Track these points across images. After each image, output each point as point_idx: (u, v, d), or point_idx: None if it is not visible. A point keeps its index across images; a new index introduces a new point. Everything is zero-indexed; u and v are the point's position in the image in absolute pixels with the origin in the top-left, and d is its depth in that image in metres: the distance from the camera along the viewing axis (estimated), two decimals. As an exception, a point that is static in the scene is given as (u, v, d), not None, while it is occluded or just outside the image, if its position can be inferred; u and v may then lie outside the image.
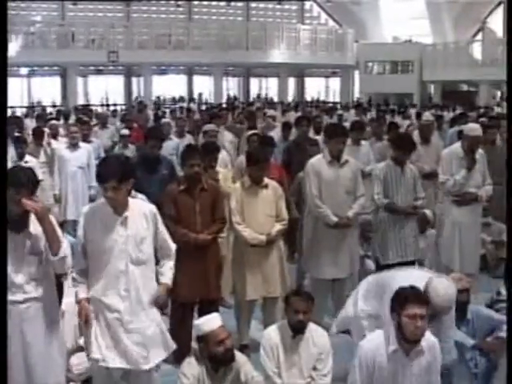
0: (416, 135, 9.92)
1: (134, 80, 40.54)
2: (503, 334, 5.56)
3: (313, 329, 5.23)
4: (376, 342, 4.51)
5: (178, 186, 6.26)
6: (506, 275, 6.28)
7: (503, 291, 6.26)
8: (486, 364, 5.63)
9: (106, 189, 4.56)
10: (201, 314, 5.58)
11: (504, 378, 5.47)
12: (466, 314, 5.82)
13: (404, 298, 4.38)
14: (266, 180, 6.60)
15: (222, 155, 8.48)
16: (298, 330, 5.14)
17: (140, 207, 4.80)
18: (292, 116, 17.40)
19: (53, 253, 4.54)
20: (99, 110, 26.52)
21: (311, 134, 11.36)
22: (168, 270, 4.97)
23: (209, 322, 4.80)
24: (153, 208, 4.90)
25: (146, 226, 4.76)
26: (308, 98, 42.47)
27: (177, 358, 5.31)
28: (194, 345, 4.91)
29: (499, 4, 42.71)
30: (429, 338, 4.53)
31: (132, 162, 5.31)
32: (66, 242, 4.67)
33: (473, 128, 7.77)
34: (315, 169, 6.92)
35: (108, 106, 33.96)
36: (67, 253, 4.61)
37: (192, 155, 6.28)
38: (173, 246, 5.01)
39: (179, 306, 6.24)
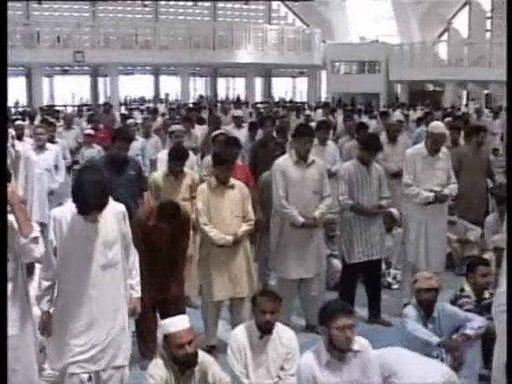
0: (383, 135, 10.02)
1: (101, 80, 40.31)
2: (468, 331, 5.63)
3: (280, 329, 5.22)
4: (311, 357, 4.66)
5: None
6: (467, 271, 6.37)
7: (467, 287, 6.31)
8: (451, 361, 5.68)
9: (88, 217, 4.52)
10: (164, 316, 5.56)
11: (470, 375, 5.58)
12: (432, 312, 5.88)
13: (332, 311, 4.58)
14: (233, 180, 6.60)
15: (190, 156, 8.46)
16: (265, 330, 5.14)
17: (111, 209, 4.77)
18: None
19: (24, 235, 4.44)
20: (66, 110, 26.31)
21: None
22: (137, 283, 5.02)
23: (173, 323, 4.78)
24: (122, 208, 4.88)
25: (117, 227, 4.74)
26: (275, 98, 42.53)
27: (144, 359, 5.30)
28: (161, 346, 4.89)
29: (465, 5, 43.23)
30: (360, 341, 4.72)
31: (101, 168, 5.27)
32: (36, 226, 4.63)
33: (436, 126, 7.82)
34: (281, 169, 6.92)
35: (74, 106, 33.69)
36: (39, 235, 4.54)
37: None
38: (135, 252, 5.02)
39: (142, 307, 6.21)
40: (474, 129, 10.17)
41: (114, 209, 4.78)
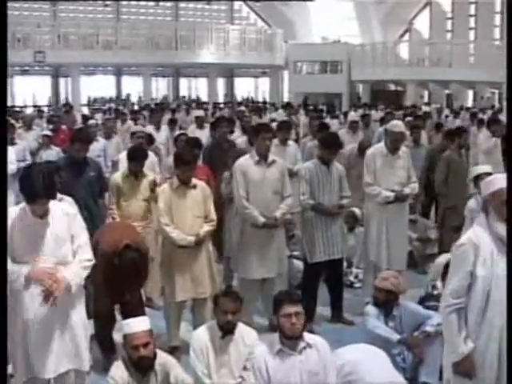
0: (344, 134, 10.09)
1: (62, 81, 39.94)
2: (428, 328, 5.70)
3: (242, 329, 5.23)
4: (265, 347, 4.85)
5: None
6: (443, 273, 6.39)
7: (439, 284, 6.38)
8: (412, 358, 5.74)
9: (34, 207, 4.52)
10: (126, 318, 5.53)
11: (431, 371, 5.64)
12: (392, 310, 5.93)
13: (279, 300, 4.80)
14: (194, 181, 6.58)
15: (150, 157, 8.43)
16: (227, 330, 5.14)
17: (61, 207, 4.75)
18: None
19: None
20: (26, 111, 26.01)
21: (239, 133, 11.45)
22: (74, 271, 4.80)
23: (130, 325, 4.78)
24: (73, 210, 4.86)
25: (66, 227, 4.71)
26: (238, 98, 42.54)
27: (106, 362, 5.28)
28: (122, 347, 4.87)
29: (425, 5, 43.67)
30: (315, 337, 4.90)
31: (55, 168, 5.23)
32: None
33: (396, 124, 7.88)
34: (242, 169, 6.92)
35: (35, 107, 33.32)
36: None
37: None
38: (87, 256, 4.95)
39: (101, 309, 6.18)
40: (455, 131, 10.20)
41: (64, 208, 4.79)
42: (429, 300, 6.42)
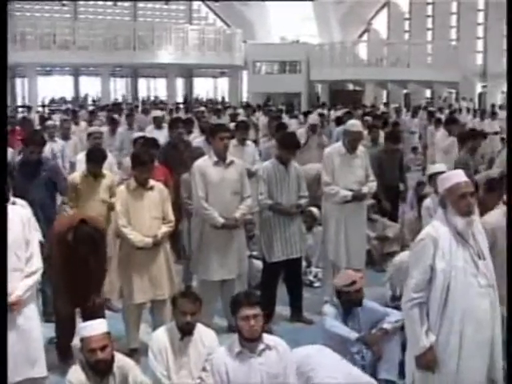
0: (303, 134, 10.12)
1: (18, 81, 39.44)
2: (386, 325, 5.76)
3: (201, 330, 5.21)
4: (224, 350, 4.85)
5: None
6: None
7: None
8: (371, 356, 5.78)
9: None
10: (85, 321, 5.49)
11: (390, 368, 5.68)
12: (352, 309, 5.97)
13: (237, 302, 4.80)
14: (152, 182, 6.54)
15: (108, 158, 8.36)
16: (186, 331, 5.12)
17: (16, 213, 4.69)
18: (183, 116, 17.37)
19: None
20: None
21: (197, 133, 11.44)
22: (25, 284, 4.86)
23: (87, 328, 4.74)
24: (27, 214, 4.81)
25: (22, 231, 4.66)
26: (197, 98, 42.45)
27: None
28: (79, 350, 4.82)
29: (384, 6, 44.00)
30: (274, 339, 4.91)
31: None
32: None
33: (353, 124, 7.93)
34: (201, 170, 6.89)
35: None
36: None
37: None
38: (38, 265, 4.90)
39: (62, 312, 6.12)
40: (468, 134, 10.10)
41: (20, 213, 4.72)
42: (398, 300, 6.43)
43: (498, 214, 4.82)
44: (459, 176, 4.36)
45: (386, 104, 31.09)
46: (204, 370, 5.08)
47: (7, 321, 4.35)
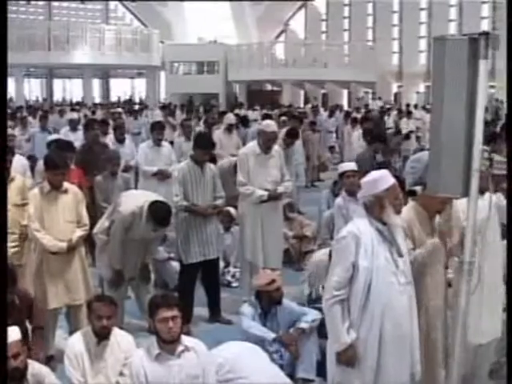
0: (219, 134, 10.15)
1: None
2: (303, 324, 5.82)
3: (118, 333, 5.16)
4: (142, 352, 4.82)
5: None
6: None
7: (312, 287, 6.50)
8: (289, 355, 5.82)
9: None
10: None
11: (308, 367, 5.74)
12: (270, 309, 6.00)
13: (154, 304, 4.76)
14: (66, 185, 6.43)
15: (20, 160, 8.19)
16: (102, 335, 5.06)
17: None
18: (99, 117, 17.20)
19: None
20: None
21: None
22: None
23: None
24: None
25: None
26: (115, 99, 41.95)
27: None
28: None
29: (301, 7, 44.44)
30: (193, 340, 4.92)
31: None
32: None
33: (268, 124, 7.97)
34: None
35: None
36: None
37: None
38: None
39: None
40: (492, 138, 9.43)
41: None
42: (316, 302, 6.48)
43: (406, 210, 4.95)
44: (391, 177, 4.51)
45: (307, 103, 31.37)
46: (121, 374, 5.03)
47: (6, 321, 4.28)
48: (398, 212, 4.45)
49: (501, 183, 5.16)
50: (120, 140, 10.17)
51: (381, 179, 4.48)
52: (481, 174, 3.81)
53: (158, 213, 6.59)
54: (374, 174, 4.61)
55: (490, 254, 5.20)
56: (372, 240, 4.34)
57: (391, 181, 4.45)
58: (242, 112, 22.69)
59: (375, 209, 4.40)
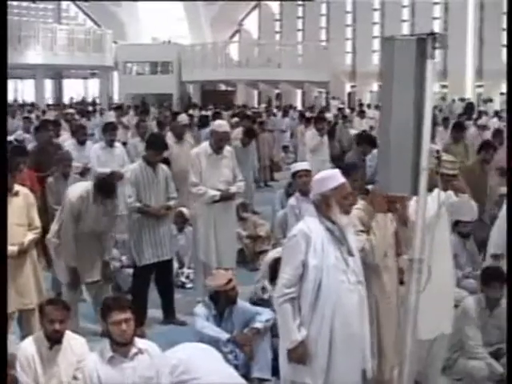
0: (169, 135, 10.10)
1: None
2: (257, 324, 5.84)
3: (70, 337, 5.11)
4: (95, 355, 4.84)
5: None
6: (270, 274, 6.46)
7: (268, 286, 6.49)
8: (244, 355, 5.83)
9: None
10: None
11: (263, 367, 5.75)
12: (225, 309, 6.00)
13: (107, 307, 4.76)
14: (17, 187, 6.34)
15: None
16: (54, 339, 5.00)
17: None
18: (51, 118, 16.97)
19: None
20: None
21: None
22: None
23: None
24: None
25: None
26: (67, 99, 41.50)
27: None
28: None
29: (255, 7, 44.54)
30: (147, 342, 4.94)
31: None
32: None
33: (219, 124, 7.99)
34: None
35: None
36: None
37: None
38: None
39: None
40: (481, 145, 9.34)
41: None
42: (260, 305, 6.47)
43: (356, 209, 5.01)
44: (341, 176, 4.52)
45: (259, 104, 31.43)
46: (75, 378, 4.98)
47: (6, 321, 4.19)
48: (347, 212, 4.47)
49: (450, 181, 5.27)
50: (81, 142, 9.96)
51: (329, 178, 4.51)
52: (429, 172, 3.85)
53: (102, 183, 6.76)
54: (323, 173, 4.66)
55: (440, 252, 5.30)
56: (322, 239, 4.36)
57: (340, 180, 4.47)
58: (196, 112, 22.61)
59: (323, 208, 4.43)
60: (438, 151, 4.83)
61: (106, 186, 6.70)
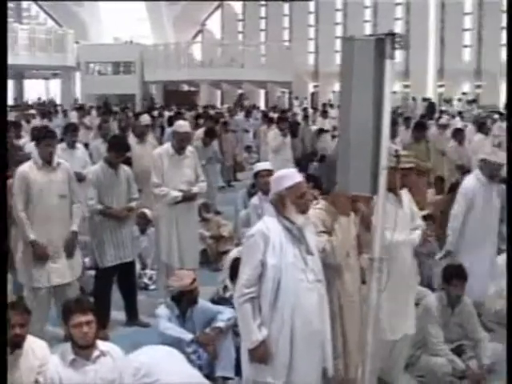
0: (131, 136, 10.06)
1: None
2: (219, 323, 5.84)
3: (32, 341, 5.04)
4: (56, 357, 4.78)
5: None
6: (231, 272, 6.45)
7: (229, 284, 6.49)
8: (207, 355, 5.82)
9: None
10: None
11: (226, 365, 5.75)
12: (187, 310, 5.99)
13: (69, 309, 4.71)
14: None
15: None
16: (15, 344, 4.92)
17: None
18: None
19: None
20: None
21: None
22: None
23: None
24: None
25: None
26: (29, 100, 41.04)
27: None
28: None
29: (217, 7, 44.54)
30: (109, 345, 4.92)
31: None
32: None
33: (180, 124, 7.98)
34: (24, 176, 6.56)
35: None
36: None
37: None
38: None
39: None
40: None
41: None
42: (222, 303, 6.47)
43: (318, 209, 5.03)
44: (298, 175, 4.53)
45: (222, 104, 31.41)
46: (36, 382, 4.93)
47: (6, 321, 4.32)
48: (303, 211, 4.47)
49: (407, 176, 5.33)
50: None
51: (285, 177, 4.51)
52: (388, 171, 3.88)
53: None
54: (279, 172, 4.67)
55: (400, 251, 5.35)
56: (280, 238, 4.38)
57: (296, 179, 4.47)
58: (155, 113, 22.53)
59: (280, 207, 4.44)
60: (396, 150, 4.87)
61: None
